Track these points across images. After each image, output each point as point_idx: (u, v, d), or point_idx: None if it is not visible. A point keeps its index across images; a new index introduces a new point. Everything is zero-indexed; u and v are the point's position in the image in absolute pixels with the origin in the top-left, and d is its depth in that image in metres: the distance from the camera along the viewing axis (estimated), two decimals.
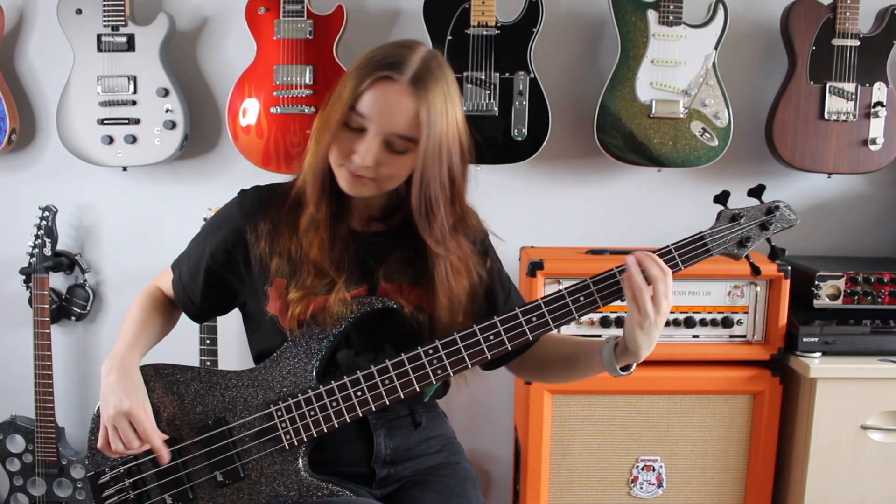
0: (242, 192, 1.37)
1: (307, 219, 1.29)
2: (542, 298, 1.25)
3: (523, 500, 2.10)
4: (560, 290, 1.25)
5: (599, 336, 2.03)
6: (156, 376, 1.32)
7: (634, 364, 1.28)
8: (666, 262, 1.23)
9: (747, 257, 1.30)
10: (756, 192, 1.30)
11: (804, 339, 2.01)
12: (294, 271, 1.28)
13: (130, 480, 1.31)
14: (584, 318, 2.04)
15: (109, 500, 1.31)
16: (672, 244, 1.26)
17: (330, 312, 1.26)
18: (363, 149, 1.20)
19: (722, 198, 1.30)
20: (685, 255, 1.26)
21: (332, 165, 1.26)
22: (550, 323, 1.25)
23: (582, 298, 1.24)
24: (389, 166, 1.22)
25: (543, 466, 2.06)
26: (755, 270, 1.33)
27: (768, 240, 1.31)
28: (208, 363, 2.19)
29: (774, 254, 1.33)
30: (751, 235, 1.29)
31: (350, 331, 1.30)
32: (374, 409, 1.25)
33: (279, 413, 1.26)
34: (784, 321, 2.03)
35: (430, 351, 1.24)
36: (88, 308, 2.44)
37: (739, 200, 1.31)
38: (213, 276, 1.37)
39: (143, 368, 1.32)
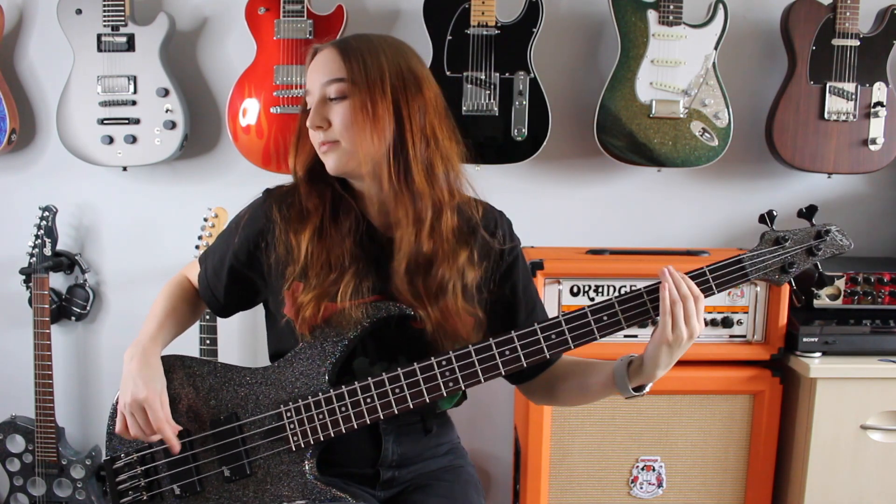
0: (267, 191, 1.37)
1: (306, 215, 1.29)
2: (563, 315, 1.21)
3: (523, 500, 2.10)
4: (583, 308, 1.20)
5: None
6: (177, 367, 1.33)
7: (648, 385, 1.25)
8: (699, 284, 1.18)
9: (790, 283, 1.22)
10: (808, 213, 1.22)
11: (804, 339, 2.01)
12: (306, 273, 1.27)
13: (142, 468, 1.32)
14: None
15: (122, 485, 1.33)
16: (707, 266, 1.20)
17: (345, 316, 1.25)
18: (311, 115, 1.24)
19: (767, 218, 1.22)
20: (720, 278, 1.19)
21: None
22: (570, 342, 1.20)
23: (605, 318, 1.19)
24: (337, 117, 1.23)
25: (543, 466, 2.06)
26: (798, 298, 1.26)
27: (816, 266, 1.22)
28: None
29: (822, 282, 1.23)
30: (795, 261, 1.20)
31: (366, 338, 1.29)
32: (382, 416, 1.24)
33: (289, 414, 1.26)
34: (784, 321, 2.02)
35: (444, 363, 1.22)
36: (88, 308, 2.44)
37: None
38: (236, 275, 1.37)
39: (165, 358, 1.34)
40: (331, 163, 1.26)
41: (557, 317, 1.21)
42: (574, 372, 1.38)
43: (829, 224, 1.22)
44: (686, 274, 1.19)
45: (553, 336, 1.21)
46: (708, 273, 1.19)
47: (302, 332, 1.26)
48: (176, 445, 1.27)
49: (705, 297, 1.18)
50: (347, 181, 1.31)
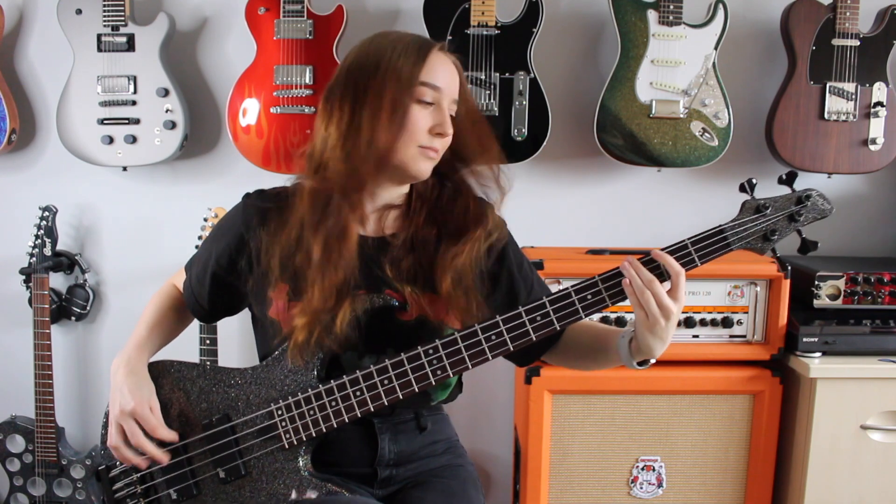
0: (246, 196, 1.36)
1: (322, 227, 1.25)
2: (547, 297, 1.21)
3: (523, 500, 2.10)
4: (567, 288, 1.21)
5: None
6: (164, 373, 1.33)
7: (651, 360, 1.25)
8: (681, 258, 1.18)
9: (773, 251, 1.22)
10: (788, 179, 1.21)
11: (804, 339, 2.01)
12: (298, 281, 1.26)
13: (138, 475, 1.33)
14: None
15: (119, 493, 1.34)
16: (688, 238, 1.19)
17: (335, 336, 1.24)
18: (445, 119, 1.25)
19: (748, 186, 1.22)
20: (702, 249, 1.19)
21: (398, 150, 1.23)
22: (555, 323, 1.21)
23: (589, 297, 1.20)
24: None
25: (543, 466, 2.06)
26: (782, 267, 1.25)
27: (799, 232, 1.22)
28: (208, 363, 2.19)
29: (805, 247, 1.21)
30: (777, 228, 1.20)
31: (354, 331, 1.28)
32: (372, 409, 1.24)
33: (279, 412, 1.26)
34: (784, 321, 2.03)
35: (430, 351, 1.22)
36: (88, 308, 2.44)
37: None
38: (218, 281, 1.37)
39: (153, 365, 1.34)
40: (427, 168, 1.28)
41: (542, 299, 1.21)
42: (584, 339, 1.38)
43: (809, 189, 1.21)
44: (668, 248, 1.19)
45: (538, 318, 1.21)
46: (690, 245, 1.19)
47: (292, 358, 1.25)
48: (163, 458, 1.27)
49: (687, 270, 1.18)
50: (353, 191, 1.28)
